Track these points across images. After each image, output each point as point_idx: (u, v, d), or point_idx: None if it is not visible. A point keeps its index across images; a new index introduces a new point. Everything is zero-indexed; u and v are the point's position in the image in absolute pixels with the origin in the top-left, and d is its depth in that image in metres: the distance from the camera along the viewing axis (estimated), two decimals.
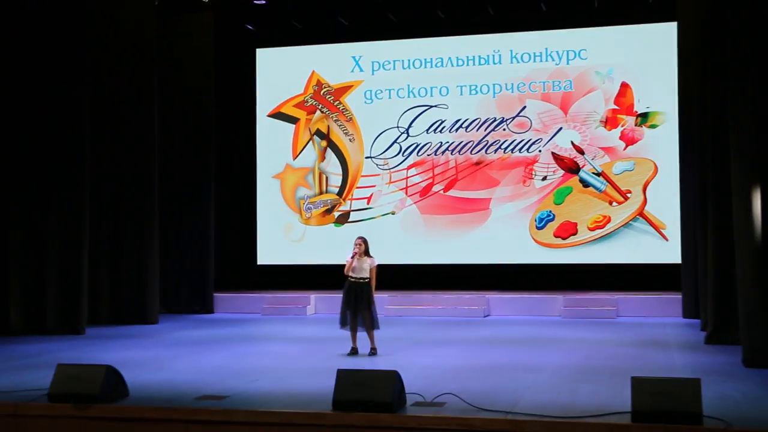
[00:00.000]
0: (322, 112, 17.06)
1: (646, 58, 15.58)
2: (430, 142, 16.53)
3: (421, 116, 16.61)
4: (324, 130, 17.04)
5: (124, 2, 14.57)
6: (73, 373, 7.52)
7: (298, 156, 17.17)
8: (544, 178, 15.95)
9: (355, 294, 10.39)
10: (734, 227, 9.77)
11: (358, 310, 10.38)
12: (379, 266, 10.65)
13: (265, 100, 17.42)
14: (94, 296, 14.21)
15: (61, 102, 13.30)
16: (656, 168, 15.48)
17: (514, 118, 16.13)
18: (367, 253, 10.49)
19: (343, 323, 10.55)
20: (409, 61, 16.74)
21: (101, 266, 14.53)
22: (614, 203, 15.61)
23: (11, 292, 13.20)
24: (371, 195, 16.78)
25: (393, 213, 16.63)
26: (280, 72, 17.36)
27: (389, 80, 16.82)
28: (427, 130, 16.56)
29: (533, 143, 16.02)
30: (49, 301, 13.26)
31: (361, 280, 10.40)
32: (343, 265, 10.58)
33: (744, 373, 8.70)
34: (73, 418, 7.29)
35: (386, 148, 16.77)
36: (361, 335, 10.51)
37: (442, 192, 16.43)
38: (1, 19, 12.81)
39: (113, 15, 14.52)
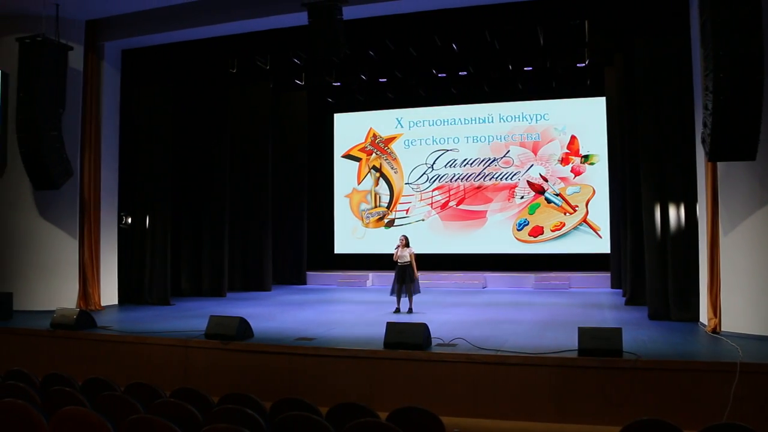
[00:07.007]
0: (376, 154, 17.06)
1: (587, 119, 15.39)
2: (447, 174, 16.42)
3: (441, 157, 16.50)
4: (378, 165, 17.00)
5: (252, 88, 14.69)
6: (220, 321, 7.64)
7: (361, 182, 17.14)
8: (522, 197, 15.79)
9: (402, 273, 10.34)
10: (644, 229, 9.70)
11: (404, 283, 10.30)
12: (416, 254, 10.60)
13: (339, 146, 17.43)
14: (232, 272, 14.31)
15: (213, 154, 13.53)
16: (594, 191, 15.29)
17: (502, 158, 16.00)
18: (407, 245, 10.48)
19: (392, 292, 10.48)
20: (433, 120, 16.66)
21: (236, 253, 14.61)
22: (567, 214, 15.46)
23: (182, 270, 13.51)
24: (408, 208, 16.68)
25: (423, 220, 16.52)
26: (349, 128, 17.36)
27: (420, 133, 16.74)
28: (445, 165, 16.44)
29: (514, 174, 15.87)
30: (204, 275, 13.50)
31: (405, 263, 10.33)
32: (392, 254, 10.56)
33: (649, 324, 8.72)
34: (219, 349, 7.41)
35: (418, 177, 16.65)
36: (403, 300, 10.49)
37: (455, 206, 16.31)
38: (182, 108, 12.99)
39: (244, 96, 14.68)
